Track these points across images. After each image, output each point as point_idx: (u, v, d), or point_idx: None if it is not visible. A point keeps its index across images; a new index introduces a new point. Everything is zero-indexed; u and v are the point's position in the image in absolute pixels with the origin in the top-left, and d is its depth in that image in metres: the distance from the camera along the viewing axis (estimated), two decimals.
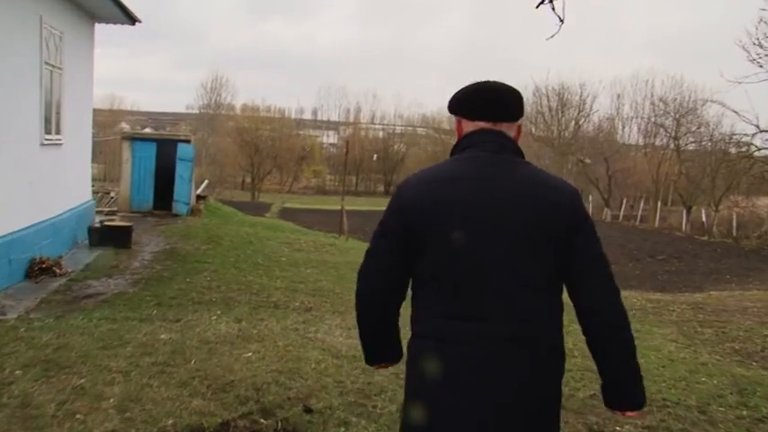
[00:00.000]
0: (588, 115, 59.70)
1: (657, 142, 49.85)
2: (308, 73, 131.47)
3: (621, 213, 46.82)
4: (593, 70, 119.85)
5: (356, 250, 15.91)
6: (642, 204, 47.36)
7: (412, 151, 78.34)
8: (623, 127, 58.85)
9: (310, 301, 9.14)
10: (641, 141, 56.02)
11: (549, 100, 61.03)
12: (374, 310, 2.52)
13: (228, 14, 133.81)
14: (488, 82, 2.45)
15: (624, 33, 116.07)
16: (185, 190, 19.18)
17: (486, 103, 2.38)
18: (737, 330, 9.05)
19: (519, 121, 2.43)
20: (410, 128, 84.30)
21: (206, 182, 28.67)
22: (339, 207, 27.66)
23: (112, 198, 20.48)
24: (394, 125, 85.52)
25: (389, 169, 79.19)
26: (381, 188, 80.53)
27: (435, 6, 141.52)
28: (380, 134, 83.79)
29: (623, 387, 2.30)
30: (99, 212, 18.95)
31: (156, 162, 19.45)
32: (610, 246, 26.46)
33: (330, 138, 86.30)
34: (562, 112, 60.74)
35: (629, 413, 2.35)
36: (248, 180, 69.82)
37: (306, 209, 45.25)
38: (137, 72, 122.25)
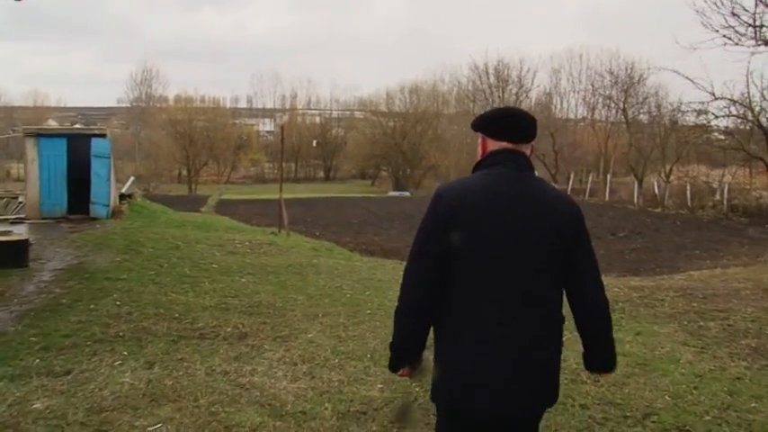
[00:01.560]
0: (529, 90, 58.95)
1: (603, 115, 49.27)
2: (242, 62, 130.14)
3: (570, 188, 45.89)
4: (531, 47, 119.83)
5: (299, 249, 14.17)
6: (591, 178, 46.54)
7: (351, 135, 77.19)
8: (561, 101, 58.19)
9: (245, 323, 7.39)
10: (585, 114, 55.56)
11: (488, 77, 60.19)
12: (421, 311, 2.76)
13: (158, 6, 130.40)
14: (512, 108, 3.12)
15: (557, 10, 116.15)
16: (103, 190, 17.14)
17: (511, 126, 2.86)
18: (743, 321, 8.13)
19: (533, 142, 2.93)
20: (347, 112, 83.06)
21: (132, 179, 26.56)
22: (278, 196, 26.13)
23: (20, 204, 18.25)
24: (331, 110, 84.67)
25: (329, 154, 78.62)
26: (321, 174, 79.69)
27: None
28: (317, 119, 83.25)
29: (605, 355, 2.96)
30: (3, 221, 16.86)
31: (67, 160, 17.37)
32: None
33: (267, 125, 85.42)
34: (503, 89, 59.98)
35: (606, 375, 3.13)
36: (185, 173, 68.39)
37: (244, 200, 43.27)
38: (65, 67, 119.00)
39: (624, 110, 41.52)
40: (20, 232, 14.76)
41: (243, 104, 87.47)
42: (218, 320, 7.47)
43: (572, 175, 47.84)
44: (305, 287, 9.74)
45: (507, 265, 2.65)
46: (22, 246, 10.32)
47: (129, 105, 74.95)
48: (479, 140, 2.94)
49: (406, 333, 2.81)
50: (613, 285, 10.95)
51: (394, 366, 2.88)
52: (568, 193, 44.39)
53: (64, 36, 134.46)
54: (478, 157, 2.93)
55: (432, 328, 2.81)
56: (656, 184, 36.92)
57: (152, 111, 71.88)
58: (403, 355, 2.85)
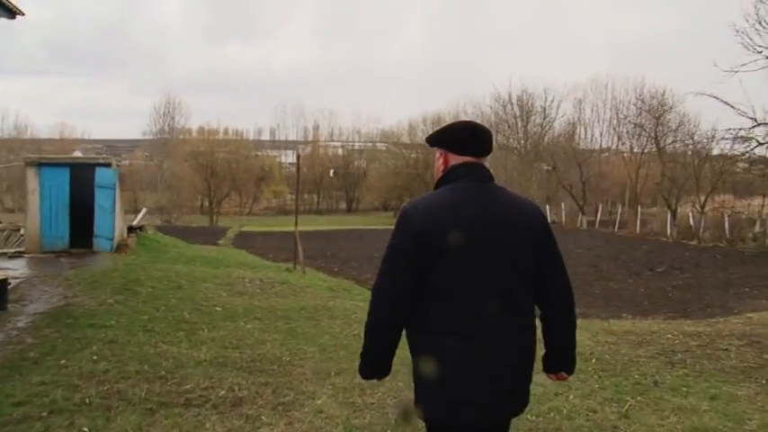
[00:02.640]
0: (554, 120, 57.71)
1: (630, 144, 47.86)
2: (266, 95, 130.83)
3: (598, 220, 44.44)
4: (554, 77, 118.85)
5: (314, 289, 12.92)
6: (620, 209, 45.04)
7: (373, 167, 76.68)
8: (585, 131, 56.90)
9: (243, 384, 6.16)
10: (613, 144, 54.19)
11: (512, 107, 59.09)
12: (387, 328, 2.84)
13: (185, 41, 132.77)
14: (471, 123, 3.10)
15: (580, 40, 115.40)
16: (107, 223, 16.07)
17: (474, 141, 2.94)
18: None
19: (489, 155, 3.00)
20: (369, 143, 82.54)
21: (144, 210, 25.61)
22: (301, 227, 24.79)
23: (22, 236, 17.21)
24: (353, 141, 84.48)
25: (351, 186, 78.36)
26: (343, 206, 79.26)
27: (391, 23, 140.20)
28: (340, 151, 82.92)
29: (568, 355, 3.01)
30: (1, 255, 15.83)
31: (70, 191, 16.32)
32: (602, 259, 23.80)
33: (289, 157, 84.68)
34: (527, 118, 58.85)
35: (566, 375, 3.07)
36: (207, 204, 69.02)
37: (264, 232, 42.22)
38: (92, 101, 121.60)
39: (656, 138, 39.94)
40: (14, 268, 13.73)
41: (266, 136, 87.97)
42: (212, 380, 6.24)
43: (600, 207, 46.49)
44: (318, 336, 8.50)
45: (480, 277, 2.72)
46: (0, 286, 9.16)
47: (152, 137, 75.32)
48: (439, 156, 2.99)
49: (375, 349, 2.91)
50: (665, 331, 9.70)
51: (365, 374, 3.00)
52: (596, 226, 43.14)
53: (93, 70, 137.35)
54: (439, 173, 2.99)
55: (409, 344, 2.87)
56: (690, 215, 35.30)
57: (175, 142, 72.34)
58: (372, 365, 2.96)
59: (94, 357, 6.73)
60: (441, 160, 2.98)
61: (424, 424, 2.94)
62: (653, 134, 40.41)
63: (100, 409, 5.30)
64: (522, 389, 2.88)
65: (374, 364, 2.96)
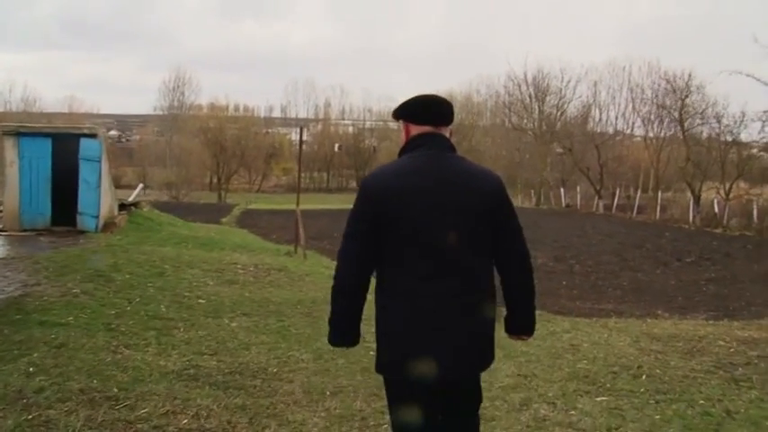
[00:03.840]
0: (570, 101, 56.05)
1: (652, 129, 46.25)
2: (277, 73, 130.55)
3: (615, 204, 42.88)
4: (569, 59, 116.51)
5: (314, 277, 11.54)
6: (638, 194, 43.45)
7: (384, 145, 75.34)
8: (601, 114, 55.28)
9: (213, 409, 4.83)
10: (628, 128, 52.61)
11: (528, 87, 57.42)
12: (351, 290, 2.99)
13: (199, 17, 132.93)
14: (430, 95, 3.21)
15: (595, 23, 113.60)
16: (92, 199, 14.74)
17: (431, 112, 3.09)
18: None
19: (451, 126, 3.13)
20: (380, 122, 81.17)
21: (141, 186, 24.34)
22: (309, 206, 23.37)
23: (1, 213, 15.88)
24: (364, 120, 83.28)
25: (361, 164, 77.44)
26: (354, 184, 78.31)
27: (405, 1, 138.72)
28: (350, 129, 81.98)
29: (527, 318, 3.18)
30: None
31: (52, 163, 14.96)
32: (625, 247, 22.37)
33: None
34: (542, 99, 57.22)
35: (527, 337, 3.32)
36: (216, 180, 68.74)
37: (270, 210, 40.97)
38: (105, 75, 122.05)
39: (681, 120, 38.14)
40: None
41: (277, 114, 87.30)
42: (174, 402, 4.92)
43: (617, 191, 44.93)
44: (314, 338, 7.14)
45: (432, 239, 2.86)
46: None
47: (162, 113, 74.51)
48: (402, 127, 3.15)
49: (341, 311, 3.05)
50: (715, 337, 8.38)
51: (333, 340, 3.15)
52: (613, 210, 41.59)
53: (104, 44, 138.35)
54: (402, 143, 3.14)
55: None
56: (715, 202, 33.65)
57: (184, 118, 71.45)
58: (338, 329, 3.09)
59: (31, 369, 5.39)
60: (403, 132, 3.14)
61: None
62: (677, 116, 38.53)
63: None
64: (472, 348, 2.99)
65: (340, 329, 3.08)
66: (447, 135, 3.08)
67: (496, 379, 6.02)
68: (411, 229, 2.86)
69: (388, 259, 2.93)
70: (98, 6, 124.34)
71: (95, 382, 5.26)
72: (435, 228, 2.86)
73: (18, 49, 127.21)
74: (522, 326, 3.21)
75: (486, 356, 3.08)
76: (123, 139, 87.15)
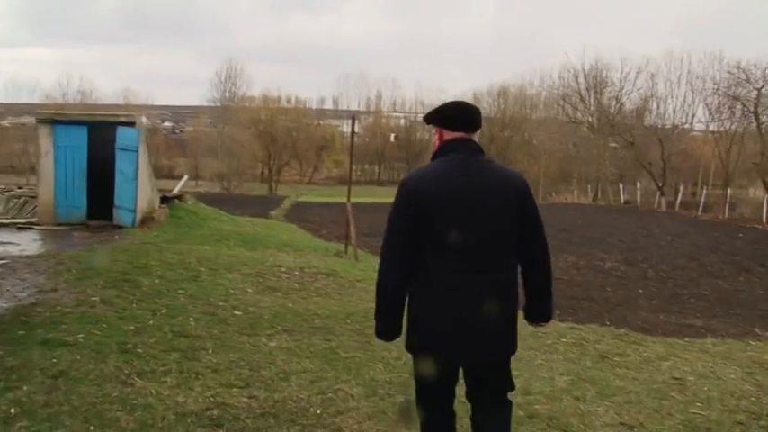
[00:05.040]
0: (630, 93, 53.81)
1: (704, 120, 44.05)
2: (329, 65, 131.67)
3: (679, 201, 40.86)
4: (625, 50, 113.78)
5: (367, 285, 10.31)
6: (704, 191, 41.30)
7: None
8: (658, 106, 52.83)
9: None
10: (687, 121, 50.22)
11: (585, 78, 55.38)
12: (394, 284, 3.22)
13: (253, 9, 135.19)
14: (461, 102, 3.55)
15: (651, 13, 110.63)
16: (129, 191, 13.79)
17: (463, 119, 3.33)
18: None
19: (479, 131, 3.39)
20: None
21: (185, 177, 23.34)
22: (360, 199, 22.27)
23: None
24: (415, 112, 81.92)
25: (412, 157, 76.16)
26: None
27: None
28: (402, 122, 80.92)
29: (546, 308, 3.44)
30: (9, 226, 13.76)
31: (88, 154, 14.04)
32: (699, 249, 20.69)
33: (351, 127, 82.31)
34: (600, 91, 55.17)
35: (545, 324, 3.56)
36: (267, 172, 68.89)
37: (321, 203, 39.99)
38: (158, 68, 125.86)
39: (756, 112, 35.77)
40: (16, 243, 11.59)
41: (328, 105, 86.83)
42: None
43: (681, 187, 42.88)
44: (367, 364, 5.97)
45: (466, 235, 3.09)
46: None
47: (214, 104, 74.67)
48: (434, 132, 3.38)
49: (386, 307, 3.27)
50: None
51: (379, 333, 3.35)
52: (676, 207, 39.58)
53: (161, 38, 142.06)
54: (434, 147, 3.38)
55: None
56: None
57: (236, 109, 71.34)
58: (385, 322, 3.30)
59: (13, 411, 4.29)
60: (436, 136, 3.38)
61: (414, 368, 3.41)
62: (752, 108, 36.18)
63: None
64: (501, 336, 3.25)
65: (385, 321, 3.30)
66: (476, 140, 3.34)
67: (593, 427, 4.79)
68: (447, 228, 3.08)
69: (425, 254, 3.14)
70: (153, 1, 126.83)
71: (92, 428, 4.16)
72: (470, 226, 3.10)
73: (76, 43, 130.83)
74: (543, 314, 3.47)
75: (510, 344, 3.32)
76: (177, 131, 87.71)
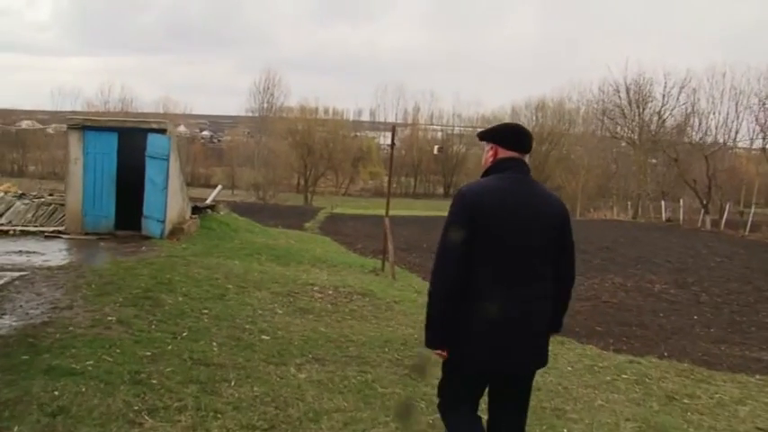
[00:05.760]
0: (673, 108, 52.55)
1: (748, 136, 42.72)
2: (367, 77, 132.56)
3: (724, 220, 39.56)
4: (671, 65, 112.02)
5: (405, 307, 9.63)
6: (752, 210, 39.97)
7: (473, 152, 73.75)
8: (700, 122, 51.49)
9: None
10: (729, 138, 48.86)
11: (628, 92, 54.21)
12: (449, 292, 3.26)
13: (293, 20, 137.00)
14: (518, 125, 3.73)
15: (692, 28, 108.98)
16: (159, 201, 13.25)
17: (520, 140, 3.51)
18: None
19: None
20: (470, 128, 79.73)
21: (219, 187, 22.87)
22: (396, 212, 21.73)
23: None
24: (453, 126, 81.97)
25: (449, 170, 76.04)
26: (441, 190, 77.07)
27: (499, 8, 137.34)
28: (439, 134, 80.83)
29: (560, 318, 3.60)
30: (37, 234, 13.34)
31: (117, 161, 13.56)
32: (753, 272, 19.65)
33: (388, 139, 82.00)
34: (642, 105, 53.99)
35: (555, 333, 3.65)
36: (302, 182, 69.79)
37: (356, 215, 39.42)
38: (199, 77, 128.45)
39: None
40: (41, 252, 11.13)
41: (365, 117, 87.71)
42: None
43: (728, 205, 41.55)
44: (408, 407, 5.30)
45: (517, 250, 3.27)
46: None
47: (252, 114, 75.14)
48: (489, 149, 3.54)
49: (440, 315, 3.32)
50: None
51: (431, 342, 3.38)
52: (721, 227, 38.30)
53: (202, 48, 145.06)
54: (487, 164, 3.53)
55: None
56: None
57: (273, 119, 71.81)
58: (438, 332, 3.34)
59: None
60: (491, 153, 3.51)
61: (447, 372, 3.48)
62: None
63: None
64: (540, 347, 3.44)
65: (437, 330, 3.33)
66: (527, 161, 3.50)
67: None
68: (501, 241, 3.25)
69: (479, 264, 3.24)
70: (197, 12, 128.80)
71: None
72: (521, 241, 3.28)
73: (119, 52, 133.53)
74: (558, 325, 3.63)
75: (546, 355, 3.51)
76: (215, 140, 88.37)
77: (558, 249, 3.41)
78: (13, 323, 6.56)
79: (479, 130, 3.76)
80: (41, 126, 73.75)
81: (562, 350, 7.89)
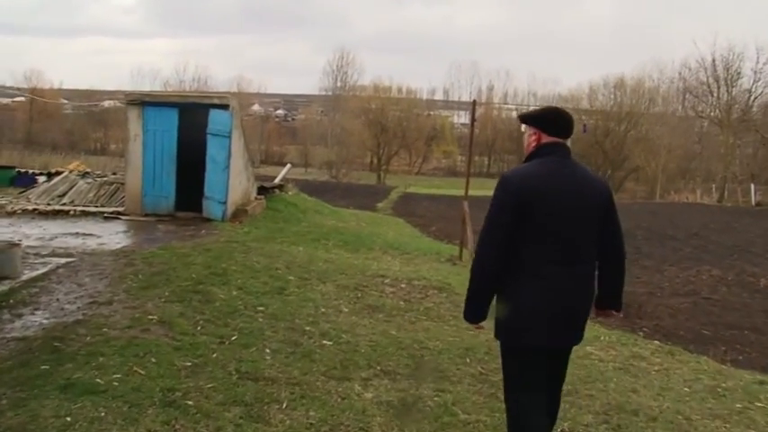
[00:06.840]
0: (767, 85, 49.83)
1: None
2: (442, 55, 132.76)
3: None
4: (760, 40, 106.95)
5: None
6: None
7: None
8: None
9: None
10: None
11: (715, 69, 51.60)
12: (490, 272, 3.35)
13: (369, 1, 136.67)
14: (560, 109, 3.68)
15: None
16: (220, 181, 12.48)
17: (562, 125, 3.55)
18: None
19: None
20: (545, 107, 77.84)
21: (288, 166, 22.10)
22: (472, 192, 20.56)
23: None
24: (528, 105, 79.78)
25: (523, 150, 73.26)
26: None
27: None
28: (514, 114, 79.03)
29: (618, 297, 3.66)
30: (97, 215, 12.79)
31: (178, 138, 12.81)
32: None
33: (461, 117, 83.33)
34: (732, 82, 51.32)
35: (615, 313, 3.73)
36: (375, 161, 70.31)
37: (430, 195, 38.41)
38: (275, 57, 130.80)
39: None
40: (97, 234, 10.52)
41: (439, 96, 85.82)
42: None
43: None
44: (496, 429, 4.31)
45: (562, 231, 3.33)
46: None
47: (326, 93, 75.40)
48: (531, 133, 3.59)
49: (480, 289, 3.43)
50: None
51: (470, 317, 3.51)
52: None
53: (280, 28, 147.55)
54: (530, 148, 3.59)
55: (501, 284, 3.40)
56: None
57: (346, 98, 71.78)
58: (477, 307, 3.44)
59: None
60: (534, 137, 3.57)
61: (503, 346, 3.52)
62: None
63: None
64: (581, 324, 3.52)
65: (477, 306, 3.44)
66: (569, 145, 3.55)
67: None
68: (547, 222, 3.31)
69: (526, 246, 3.32)
70: None
71: None
72: (566, 222, 3.33)
73: (197, 33, 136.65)
74: (614, 304, 3.68)
75: (583, 331, 3.56)
76: (289, 119, 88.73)
77: (604, 229, 3.48)
78: (44, 321, 5.81)
79: (522, 112, 3.84)
80: (122, 105, 75.19)
81: (673, 363, 6.69)
